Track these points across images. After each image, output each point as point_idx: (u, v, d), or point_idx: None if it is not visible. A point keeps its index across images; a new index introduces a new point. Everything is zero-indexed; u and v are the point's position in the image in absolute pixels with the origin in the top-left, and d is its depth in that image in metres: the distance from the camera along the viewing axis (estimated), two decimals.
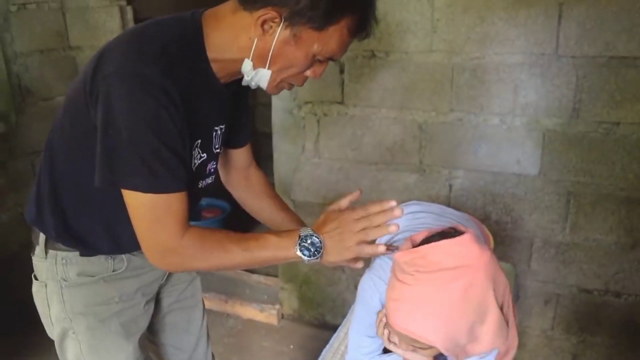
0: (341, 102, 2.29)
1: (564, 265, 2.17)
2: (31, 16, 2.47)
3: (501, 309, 1.13)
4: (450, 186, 2.23)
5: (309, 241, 1.03)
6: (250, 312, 2.79)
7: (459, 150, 2.16)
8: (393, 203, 1.02)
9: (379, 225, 1.01)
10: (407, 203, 1.84)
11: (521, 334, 2.32)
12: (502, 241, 2.22)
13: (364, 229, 1.02)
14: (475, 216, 2.09)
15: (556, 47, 1.92)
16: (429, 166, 2.24)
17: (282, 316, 2.78)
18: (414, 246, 1.15)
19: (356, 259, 1.29)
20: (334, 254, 1.04)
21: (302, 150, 2.42)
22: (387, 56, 2.16)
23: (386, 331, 1.27)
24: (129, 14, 2.63)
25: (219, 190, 1.45)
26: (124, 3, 2.61)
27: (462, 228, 1.15)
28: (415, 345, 1.17)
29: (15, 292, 2.47)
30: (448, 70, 2.08)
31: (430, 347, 1.15)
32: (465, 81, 2.07)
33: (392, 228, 1.00)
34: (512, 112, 2.04)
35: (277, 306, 2.76)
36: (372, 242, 1.04)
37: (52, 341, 1.28)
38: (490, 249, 1.16)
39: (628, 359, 2.19)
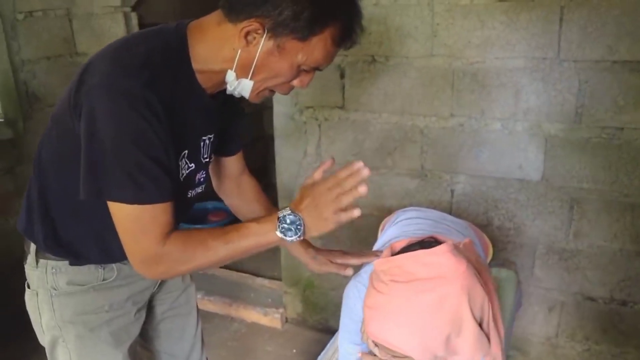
0: (342, 107, 2.29)
1: (567, 272, 2.14)
2: (38, 24, 2.51)
3: (480, 324, 1.12)
4: (452, 191, 2.21)
5: (287, 221, 1.01)
6: (254, 315, 2.80)
7: (461, 155, 2.15)
8: (360, 164, 0.99)
9: (350, 189, 0.98)
10: (406, 209, 1.83)
11: (525, 341, 2.30)
12: (505, 247, 2.19)
13: (337, 196, 0.99)
14: (477, 222, 2.09)
15: (558, 51, 1.90)
16: (431, 171, 2.22)
17: (286, 320, 2.78)
18: (393, 254, 1.15)
19: (344, 267, 1.29)
20: (315, 228, 1.02)
21: (304, 155, 2.42)
22: (388, 61, 2.15)
23: (370, 339, 1.27)
24: (134, 20, 2.65)
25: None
26: (128, 9, 2.63)
27: (442, 238, 1.14)
28: (394, 354, 1.16)
29: (18, 298, 2.52)
30: (449, 75, 2.07)
31: (407, 357, 1.14)
32: (466, 86, 2.05)
33: (362, 189, 0.97)
34: (513, 116, 2.02)
35: (281, 310, 2.77)
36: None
37: None
38: (470, 260, 1.14)
39: None
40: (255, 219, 1.07)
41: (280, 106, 2.40)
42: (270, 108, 2.47)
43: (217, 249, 1.04)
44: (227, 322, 2.79)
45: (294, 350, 2.59)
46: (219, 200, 1.50)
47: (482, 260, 1.47)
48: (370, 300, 1.15)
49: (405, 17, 2.07)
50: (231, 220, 3.23)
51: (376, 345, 1.24)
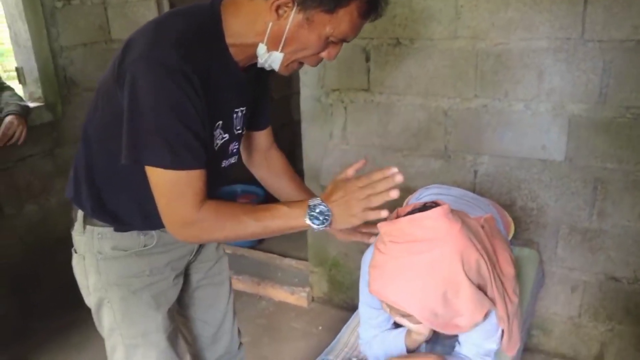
0: (367, 90, 2.34)
1: (591, 252, 2.16)
2: (75, 11, 2.61)
3: (482, 288, 1.18)
4: (475, 172, 2.25)
5: (317, 210, 1.07)
6: (281, 294, 2.89)
7: (484, 136, 2.18)
8: (394, 170, 1.05)
9: (381, 192, 1.04)
10: (429, 186, 1.88)
11: (548, 320, 2.34)
12: (528, 227, 2.23)
13: (368, 196, 1.05)
14: (500, 202, 2.12)
15: (582, 31, 1.91)
16: (454, 152, 2.26)
17: (312, 299, 2.86)
18: (397, 217, 1.22)
19: (368, 235, 1.36)
20: (341, 221, 1.08)
21: (330, 137, 2.49)
22: (412, 43, 2.19)
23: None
24: (166, 7, 2.74)
25: (253, 177, 1.53)
26: None
27: (442, 203, 1.20)
28: (398, 312, 1.23)
29: (63, 271, 2.65)
30: (472, 57, 2.10)
31: (410, 316, 1.21)
32: (490, 67, 2.08)
33: (393, 194, 1.03)
34: (537, 97, 2.04)
35: (307, 289, 2.85)
36: (377, 208, 1.07)
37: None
38: (464, 225, 1.20)
39: None
40: (287, 203, 1.14)
41: (307, 89, 2.46)
42: (297, 94, 2.54)
43: (247, 224, 1.11)
44: (255, 301, 2.89)
45: (320, 327, 2.67)
46: (248, 183, 1.56)
47: (501, 236, 1.52)
48: (373, 260, 1.23)
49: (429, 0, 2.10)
50: (260, 201, 3.33)
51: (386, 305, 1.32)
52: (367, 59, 2.29)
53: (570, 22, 1.92)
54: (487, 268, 1.21)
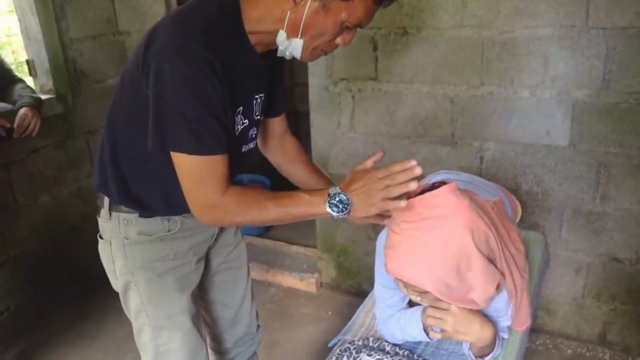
0: (375, 79, 2.38)
1: (594, 234, 2.22)
2: (84, 4, 2.64)
3: (492, 261, 1.24)
4: (482, 158, 2.30)
5: (337, 198, 1.12)
6: (290, 280, 2.94)
7: (490, 123, 2.23)
8: (413, 162, 1.09)
9: (400, 183, 1.08)
10: (438, 172, 1.93)
11: (552, 302, 2.40)
12: (533, 211, 2.28)
13: (387, 187, 1.09)
14: (506, 187, 2.17)
15: (586, 18, 1.95)
16: (461, 138, 2.31)
17: (321, 285, 2.92)
18: (408, 199, 1.27)
19: (382, 217, 1.41)
20: (360, 210, 1.13)
21: (338, 126, 2.53)
22: (419, 32, 2.23)
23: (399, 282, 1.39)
24: None
25: (260, 166, 1.57)
26: None
27: (448, 181, 1.25)
28: (413, 289, 1.28)
29: (77, 260, 2.72)
30: (478, 45, 2.14)
31: (426, 292, 1.26)
32: (496, 55, 2.12)
33: (412, 185, 1.08)
34: (542, 84, 2.09)
35: (316, 275, 2.90)
36: (395, 198, 1.12)
37: (112, 304, 1.43)
38: (472, 201, 1.25)
39: None
40: (308, 191, 1.19)
41: (315, 78, 2.50)
42: (301, 85, 2.57)
43: (269, 210, 1.16)
44: (264, 287, 2.94)
45: (329, 312, 2.73)
46: (253, 172, 1.59)
47: (510, 218, 1.57)
48: (388, 242, 1.28)
49: None
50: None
51: (398, 281, 1.37)
52: (375, 48, 2.33)
53: (574, 9, 1.96)
54: (496, 241, 1.27)
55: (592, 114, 2.05)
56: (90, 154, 2.80)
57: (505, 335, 1.46)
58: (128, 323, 1.45)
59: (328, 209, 1.13)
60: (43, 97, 2.49)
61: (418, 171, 1.08)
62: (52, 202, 2.67)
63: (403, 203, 1.09)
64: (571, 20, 1.97)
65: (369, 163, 1.16)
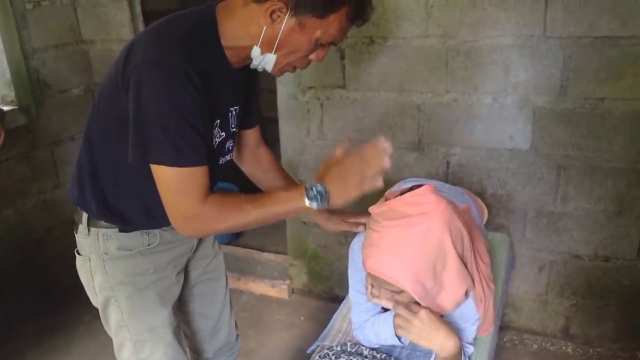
0: (343, 87, 2.42)
1: (556, 233, 2.32)
2: (46, 13, 2.59)
3: (462, 259, 1.30)
4: (448, 163, 2.37)
5: (315, 190, 1.14)
6: (262, 288, 2.96)
7: (456, 129, 2.30)
8: (383, 140, 1.12)
9: (374, 162, 1.11)
10: (406, 180, 1.99)
11: (518, 299, 2.49)
12: (498, 213, 2.37)
13: (361, 169, 1.12)
14: (472, 190, 2.25)
15: (544, 29, 2.05)
16: (428, 145, 2.37)
17: (293, 291, 2.94)
18: (387, 200, 1.33)
19: (356, 224, 1.46)
20: (339, 196, 1.14)
21: (307, 133, 2.56)
22: (385, 42, 2.28)
23: (369, 286, 1.42)
24: (138, 8, 2.74)
25: (226, 173, 1.57)
26: None
27: (425, 184, 1.32)
28: (388, 288, 1.32)
29: (43, 275, 2.66)
30: (443, 54, 2.21)
31: (403, 291, 1.30)
32: (460, 63, 2.20)
33: (386, 162, 1.11)
34: (504, 91, 2.17)
35: (288, 281, 2.93)
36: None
37: (82, 317, 1.42)
38: (448, 201, 1.32)
39: (617, 319, 2.35)
40: (285, 189, 1.22)
41: (284, 87, 2.53)
42: (266, 90, 2.59)
43: (249, 212, 1.17)
44: (237, 295, 2.94)
45: (302, 318, 2.76)
46: (222, 180, 1.59)
47: (477, 224, 1.64)
48: (367, 240, 1.32)
49: None
50: None
51: (373, 294, 1.41)
52: (342, 57, 2.37)
53: (533, 20, 2.05)
54: (469, 241, 1.33)
55: (551, 119, 2.15)
56: (55, 165, 2.74)
57: (470, 350, 1.50)
58: (99, 336, 1.45)
59: (307, 202, 1.14)
60: (5, 108, 2.43)
61: (388, 148, 1.11)
62: (16, 215, 2.60)
63: (379, 181, 1.12)
64: (530, 30, 2.07)
65: (338, 152, 1.18)
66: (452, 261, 1.30)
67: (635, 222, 2.18)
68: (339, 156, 1.18)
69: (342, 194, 1.14)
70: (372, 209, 1.32)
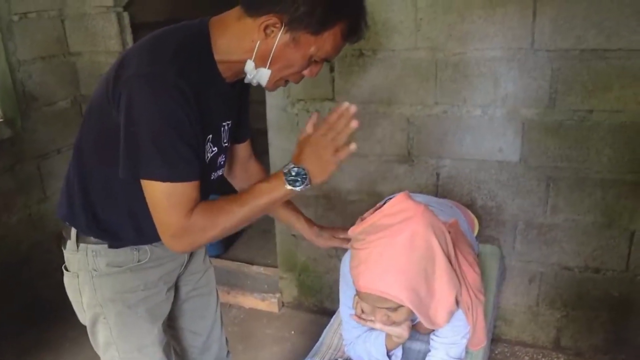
0: (332, 99, 2.42)
1: (546, 245, 2.33)
2: (32, 25, 2.56)
3: (449, 258, 1.30)
4: (438, 175, 2.37)
5: (293, 173, 1.12)
6: (252, 301, 2.92)
7: (445, 141, 2.31)
8: (346, 104, 1.12)
9: (343, 129, 1.11)
10: (393, 195, 1.98)
11: (509, 311, 2.49)
12: (488, 225, 2.37)
13: (332, 139, 1.11)
14: (462, 202, 2.25)
15: (532, 41, 2.07)
16: (417, 157, 2.38)
17: (283, 304, 2.92)
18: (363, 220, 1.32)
19: (346, 241, 1.45)
20: (319, 173, 1.13)
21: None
22: (375, 54, 2.29)
23: (358, 310, 1.41)
24: (126, 20, 2.72)
25: (217, 187, 1.55)
26: (120, 9, 2.70)
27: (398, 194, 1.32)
28: (383, 306, 1.31)
29: (28, 290, 2.61)
30: (432, 66, 2.22)
31: (400, 307, 1.29)
32: (449, 76, 2.21)
33: (353, 124, 1.11)
34: (493, 103, 2.19)
35: (278, 295, 2.90)
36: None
37: (67, 334, 1.38)
38: (429, 210, 1.32)
39: (607, 329, 2.36)
40: (264, 179, 1.19)
41: (273, 99, 2.52)
42: (256, 102, 2.57)
43: (235, 212, 1.15)
44: (226, 309, 2.91)
45: (292, 332, 2.73)
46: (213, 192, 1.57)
47: (466, 240, 1.63)
48: (354, 261, 1.31)
49: (390, 12, 2.21)
50: None
51: (366, 318, 1.40)
52: (332, 70, 2.37)
53: (521, 33, 2.07)
54: (451, 241, 1.34)
55: (540, 131, 2.16)
56: (41, 178, 2.70)
57: None
58: (86, 353, 1.42)
59: (289, 187, 1.13)
60: None
61: (353, 109, 1.11)
62: (1, 230, 2.55)
63: (353, 146, 1.11)
64: (518, 43, 2.08)
65: (309, 128, 1.17)
66: (441, 263, 1.29)
67: (624, 233, 2.20)
68: (310, 132, 1.16)
69: (321, 171, 1.13)
70: (352, 230, 1.31)
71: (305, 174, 1.12)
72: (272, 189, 1.15)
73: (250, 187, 1.18)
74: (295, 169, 1.12)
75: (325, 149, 1.11)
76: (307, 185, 1.13)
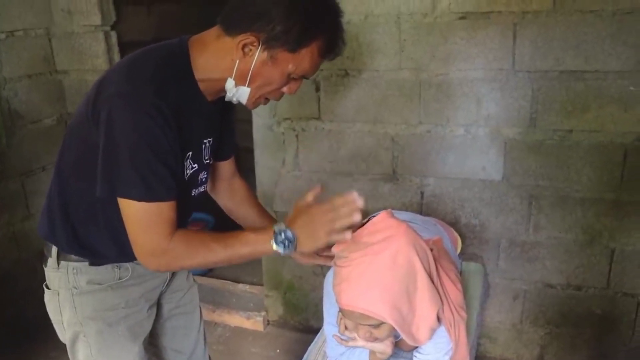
0: (318, 118, 2.45)
1: (529, 262, 2.35)
2: (19, 43, 2.58)
3: (430, 276, 1.31)
4: (422, 193, 2.40)
5: (283, 236, 1.14)
6: (237, 320, 2.90)
7: (429, 160, 2.34)
8: (355, 194, 1.14)
9: (344, 216, 1.12)
10: (377, 213, 2.00)
11: (493, 329, 2.50)
12: (472, 243, 2.39)
13: (331, 220, 1.13)
14: (446, 220, 2.27)
15: (512, 63, 2.11)
16: (402, 175, 2.40)
17: (268, 322, 2.90)
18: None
19: (329, 258, 1.45)
20: (307, 245, 1.15)
21: (283, 164, 2.57)
22: (360, 74, 2.32)
23: (342, 328, 1.41)
24: (113, 38, 2.74)
25: (203, 204, 1.56)
26: (108, 28, 2.72)
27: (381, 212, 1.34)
28: (366, 323, 1.31)
29: (9, 309, 2.57)
30: (416, 86, 2.26)
31: (382, 323, 1.30)
32: (432, 96, 2.25)
33: (356, 216, 1.13)
34: (475, 123, 2.22)
35: (263, 313, 2.88)
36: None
37: (48, 353, 1.37)
38: (411, 228, 1.33)
39: (591, 346, 2.37)
40: (253, 230, 1.21)
41: (259, 118, 2.54)
42: (242, 121, 2.59)
43: (216, 251, 1.17)
44: (211, 327, 2.88)
45: (278, 351, 2.71)
46: (197, 211, 1.58)
47: (449, 257, 1.65)
48: (337, 278, 1.32)
49: (375, 34, 2.25)
50: (210, 229, 3.34)
51: (350, 335, 1.40)
52: (317, 89, 2.40)
53: (502, 54, 2.11)
54: (433, 259, 1.35)
55: (522, 150, 2.20)
56: (25, 196, 2.69)
57: None
58: None
59: (275, 247, 1.14)
60: None
61: (360, 203, 1.13)
62: None
63: (348, 235, 1.13)
64: (500, 64, 2.13)
65: (309, 197, 1.19)
66: (422, 281, 1.30)
67: (605, 251, 2.22)
68: (310, 201, 1.18)
69: (310, 243, 1.15)
70: (336, 247, 1.32)
71: (294, 240, 1.14)
72: (258, 242, 1.16)
73: (238, 232, 1.19)
74: (289, 233, 1.14)
75: (322, 226, 1.13)
76: (291, 251, 1.15)
